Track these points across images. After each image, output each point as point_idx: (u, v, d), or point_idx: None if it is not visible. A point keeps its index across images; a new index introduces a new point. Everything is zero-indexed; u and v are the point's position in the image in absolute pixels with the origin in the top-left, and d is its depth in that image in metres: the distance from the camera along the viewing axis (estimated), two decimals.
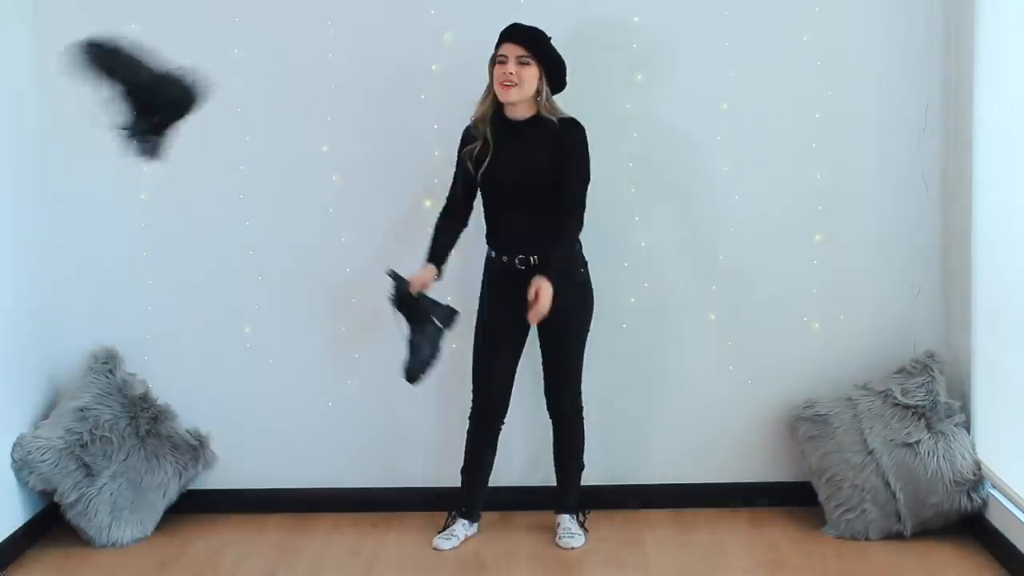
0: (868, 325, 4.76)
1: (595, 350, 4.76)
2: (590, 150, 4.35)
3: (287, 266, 4.81)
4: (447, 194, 4.48)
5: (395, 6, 4.69)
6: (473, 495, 4.59)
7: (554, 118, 4.33)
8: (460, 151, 4.43)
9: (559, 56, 4.32)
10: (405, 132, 4.68)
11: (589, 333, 4.50)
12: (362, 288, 4.80)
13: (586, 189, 4.35)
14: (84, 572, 4.43)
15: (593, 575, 4.34)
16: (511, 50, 4.29)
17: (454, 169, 4.46)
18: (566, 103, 4.66)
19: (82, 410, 4.65)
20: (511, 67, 4.28)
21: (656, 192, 4.72)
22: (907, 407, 4.53)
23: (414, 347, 4.39)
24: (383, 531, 4.72)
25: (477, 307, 4.53)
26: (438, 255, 4.44)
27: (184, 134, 4.73)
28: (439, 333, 4.41)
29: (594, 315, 4.60)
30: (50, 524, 4.70)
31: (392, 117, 4.71)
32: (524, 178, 4.34)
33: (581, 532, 4.57)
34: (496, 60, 4.32)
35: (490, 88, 4.36)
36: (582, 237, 4.44)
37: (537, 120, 4.34)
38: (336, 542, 4.64)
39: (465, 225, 4.49)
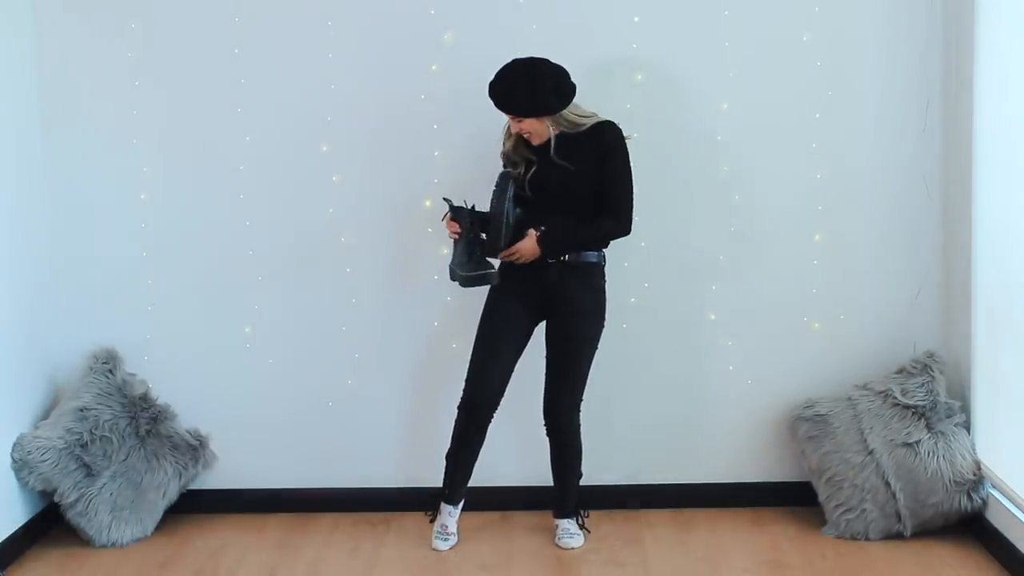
0: (868, 325, 4.76)
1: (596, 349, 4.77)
2: None
3: (287, 266, 4.81)
4: None
5: (395, 6, 4.69)
6: (456, 479, 4.56)
7: (584, 125, 4.30)
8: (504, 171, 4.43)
9: (546, 88, 4.20)
10: (405, 132, 4.69)
11: (596, 352, 4.48)
12: (362, 288, 4.81)
13: (628, 191, 4.34)
14: (84, 572, 4.43)
15: (593, 575, 4.34)
16: (505, 113, 4.29)
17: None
18: None
19: (82, 410, 4.65)
20: (516, 126, 4.29)
21: (656, 192, 4.72)
22: (907, 407, 4.53)
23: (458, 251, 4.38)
24: (383, 531, 4.72)
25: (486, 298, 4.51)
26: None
27: (184, 134, 4.78)
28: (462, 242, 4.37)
29: None
30: (50, 524, 4.70)
31: (392, 117, 4.71)
32: (570, 186, 4.33)
33: (580, 532, 4.57)
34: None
35: (508, 127, 4.37)
36: (607, 251, 4.47)
37: (567, 134, 4.30)
38: (336, 542, 4.64)
39: None
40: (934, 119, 4.66)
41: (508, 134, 4.40)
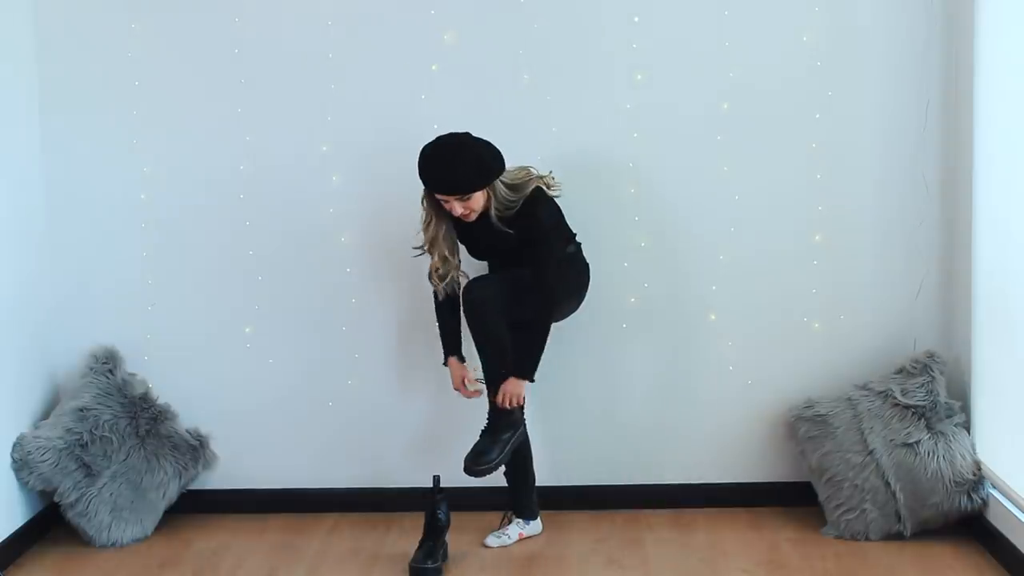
0: (868, 325, 4.76)
1: (595, 350, 4.77)
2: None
3: (287, 266, 4.81)
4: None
5: (395, 6, 4.69)
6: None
7: (515, 206, 4.26)
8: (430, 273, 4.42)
9: (482, 162, 4.19)
10: (405, 132, 4.68)
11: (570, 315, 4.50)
12: (362, 288, 4.80)
13: (553, 247, 4.30)
14: (84, 572, 4.43)
15: (593, 575, 4.33)
16: (446, 196, 4.23)
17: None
18: (566, 104, 4.68)
19: (82, 410, 4.65)
20: (459, 208, 4.22)
21: (656, 192, 4.72)
22: (907, 407, 4.52)
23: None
24: (383, 531, 4.72)
25: None
26: (455, 343, 4.49)
27: (185, 134, 4.78)
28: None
29: (594, 315, 4.63)
30: (50, 524, 4.70)
31: (392, 117, 4.71)
32: (505, 253, 4.36)
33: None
34: (436, 199, 4.26)
35: (431, 215, 4.31)
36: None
37: (500, 216, 4.29)
38: (336, 542, 4.64)
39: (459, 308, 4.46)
40: (934, 119, 4.66)
41: (427, 223, 4.34)
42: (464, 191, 4.19)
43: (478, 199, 4.23)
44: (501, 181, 4.25)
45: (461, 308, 4.38)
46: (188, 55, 4.74)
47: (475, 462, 4.30)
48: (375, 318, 4.82)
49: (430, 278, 4.42)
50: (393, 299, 4.79)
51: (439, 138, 4.26)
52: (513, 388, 4.32)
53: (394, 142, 4.72)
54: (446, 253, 4.36)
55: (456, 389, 4.47)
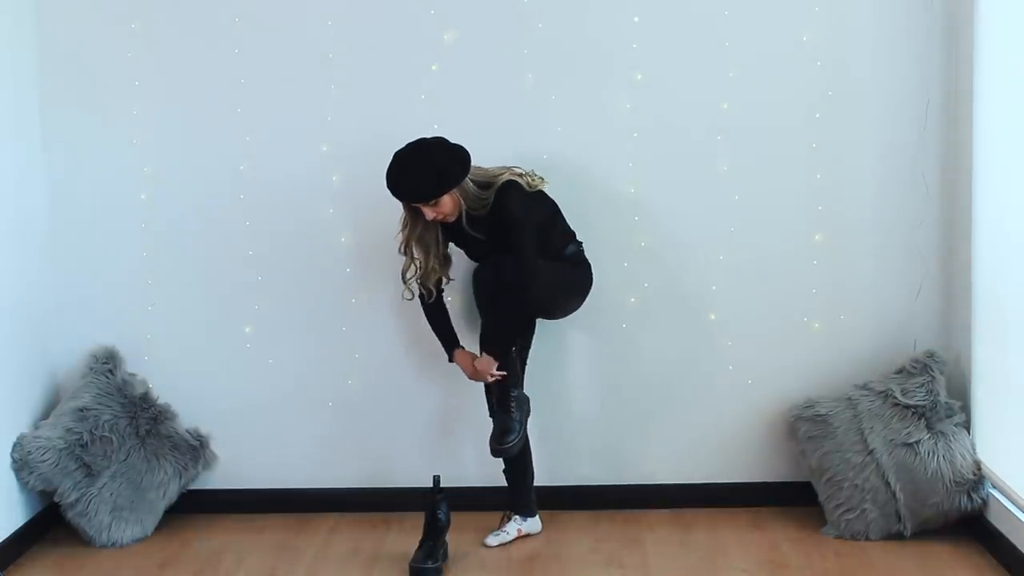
0: (868, 325, 4.76)
1: (595, 350, 4.77)
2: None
3: (287, 266, 4.81)
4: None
5: (395, 6, 4.69)
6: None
7: (487, 202, 4.29)
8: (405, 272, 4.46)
9: (439, 169, 4.21)
10: (405, 132, 4.68)
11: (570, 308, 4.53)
12: (362, 288, 4.81)
13: (529, 241, 4.28)
14: (84, 572, 4.43)
15: (593, 575, 4.33)
16: (418, 202, 4.27)
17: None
18: (565, 104, 4.68)
19: (82, 410, 4.65)
20: (430, 213, 4.27)
21: (656, 192, 4.72)
22: (907, 407, 4.52)
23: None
24: (383, 531, 4.72)
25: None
26: (451, 339, 4.54)
27: (185, 134, 4.78)
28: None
29: (593, 315, 4.63)
30: (50, 524, 4.70)
31: (392, 117, 4.71)
32: (495, 252, 4.35)
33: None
34: (410, 208, 4.32)
35: (408, 217, 4.36)
36: (576, 227, 4.53)
37: (473, 215, 4.33)
38: (336, 542, 4.64)
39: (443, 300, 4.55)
40: (934, 119, 4.66)
41: (404, 225, 4.39)
42: (423, 198, 4.23)
43: (446, 203, 4.25)
44: (472, 180, 4.27)
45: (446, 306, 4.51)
46: (188, 55, 4.74)
47: (500, 441, 4.32)
48: (375, 318, 4.82)
49: (402, 278, 4.44)
50: (393, 299, 4.77)
51: (404, 145, 4.29)
52: (479, 361, 4.37)
53: (394, 142, 4.71)
54: (420, 255, 4.39)
55: (473, 377, 4.46)
